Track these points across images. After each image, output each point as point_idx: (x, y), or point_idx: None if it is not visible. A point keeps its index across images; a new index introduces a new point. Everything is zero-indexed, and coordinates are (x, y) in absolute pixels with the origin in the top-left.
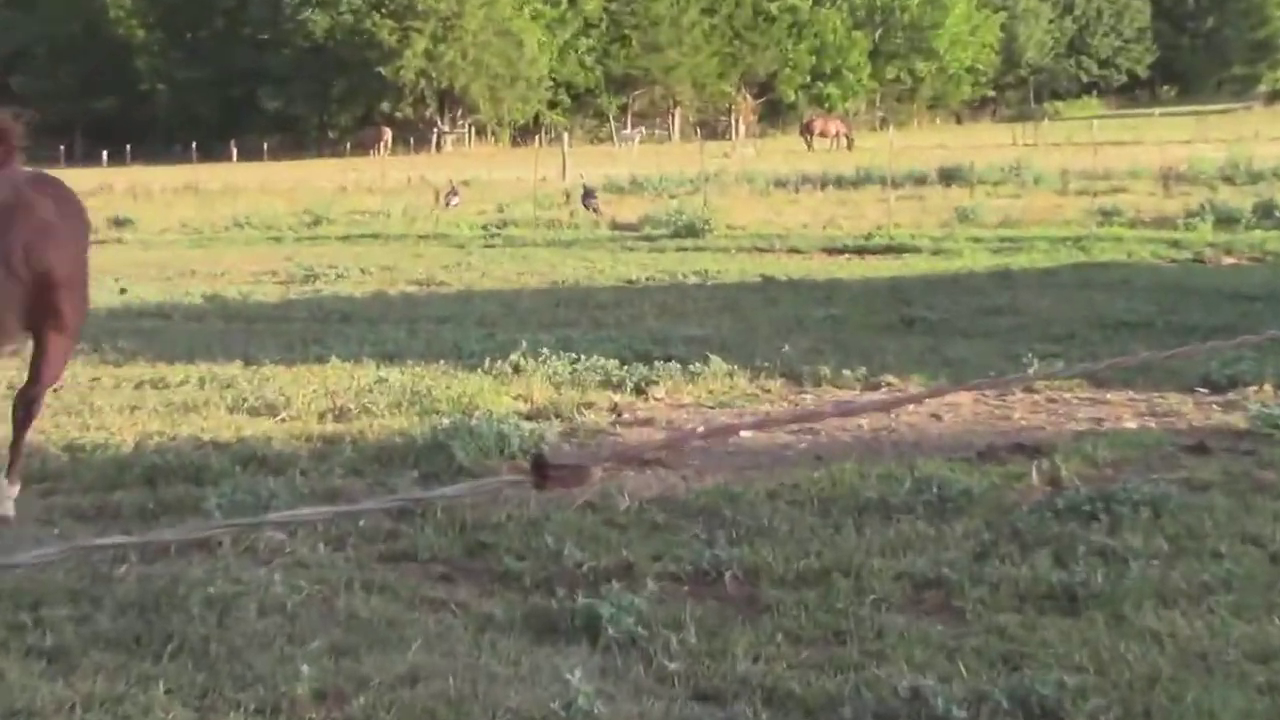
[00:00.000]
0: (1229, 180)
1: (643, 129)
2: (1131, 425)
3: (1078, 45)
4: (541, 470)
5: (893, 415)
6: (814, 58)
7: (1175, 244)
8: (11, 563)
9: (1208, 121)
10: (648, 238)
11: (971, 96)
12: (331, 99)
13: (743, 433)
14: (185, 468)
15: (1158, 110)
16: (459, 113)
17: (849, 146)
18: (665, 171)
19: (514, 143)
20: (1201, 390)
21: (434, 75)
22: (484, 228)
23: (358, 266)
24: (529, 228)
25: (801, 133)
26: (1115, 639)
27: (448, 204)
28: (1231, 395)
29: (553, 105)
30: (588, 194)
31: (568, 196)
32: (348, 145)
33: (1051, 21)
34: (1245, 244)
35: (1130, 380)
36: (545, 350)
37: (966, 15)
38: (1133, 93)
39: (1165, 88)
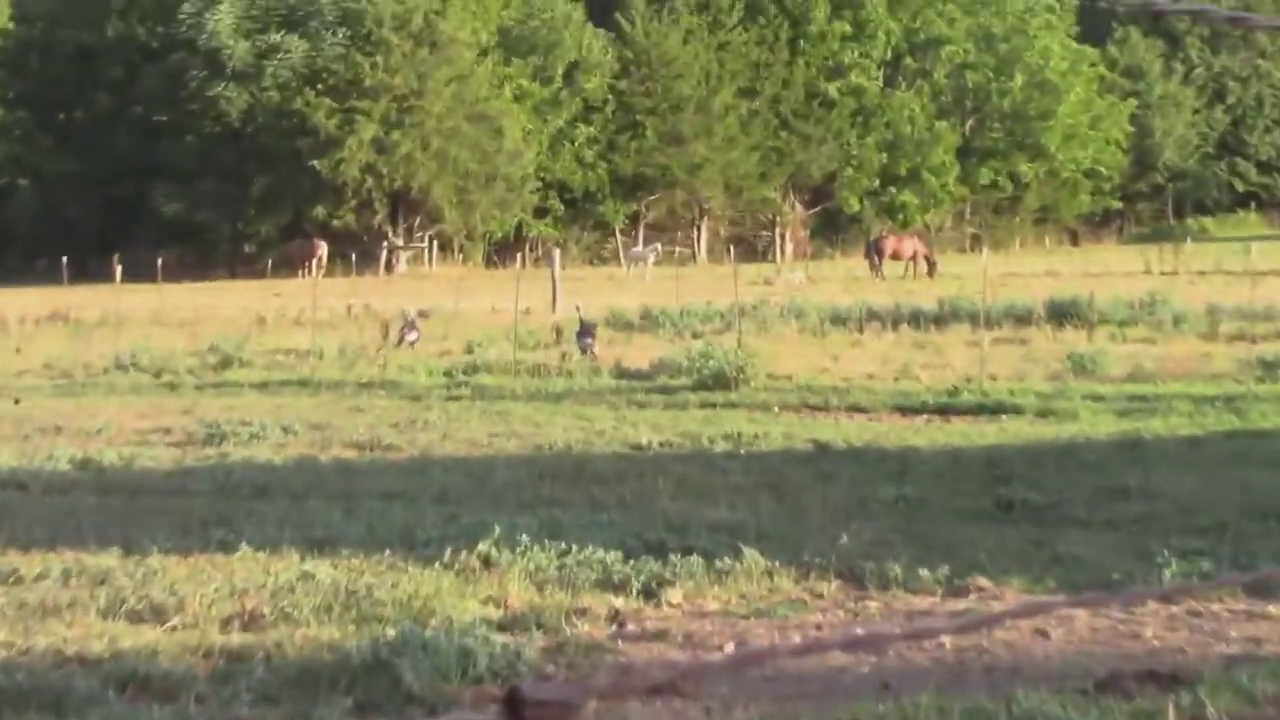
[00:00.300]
0: None
1: (658, 246)
2: None
3: (1231, 144)
4: (517, 707)
5: (985, 630)
6: (884, 155)
7: None
8: None
9: None
10: (663, 389)
11: (1091, 209)
12: (249, 202)
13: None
14: (42, 691)
15: None
16: (417, 222)
17: (930, 273)
18: (688, 302)
19: (489, 262)
20: None
21: (385, 172)
22: (447, 374)
23: (278, 424)
24: (506, 375)
25: (867, 254)
26: None
27: (401, 340)
28: None
29: (541, 214)
30: (584, 331)
31: (558, 334)
32: (269, 263)
33: (1197, 112)
34: None
35: None
36: (525, 538)
37: (1086, 103)
38: None
39: None
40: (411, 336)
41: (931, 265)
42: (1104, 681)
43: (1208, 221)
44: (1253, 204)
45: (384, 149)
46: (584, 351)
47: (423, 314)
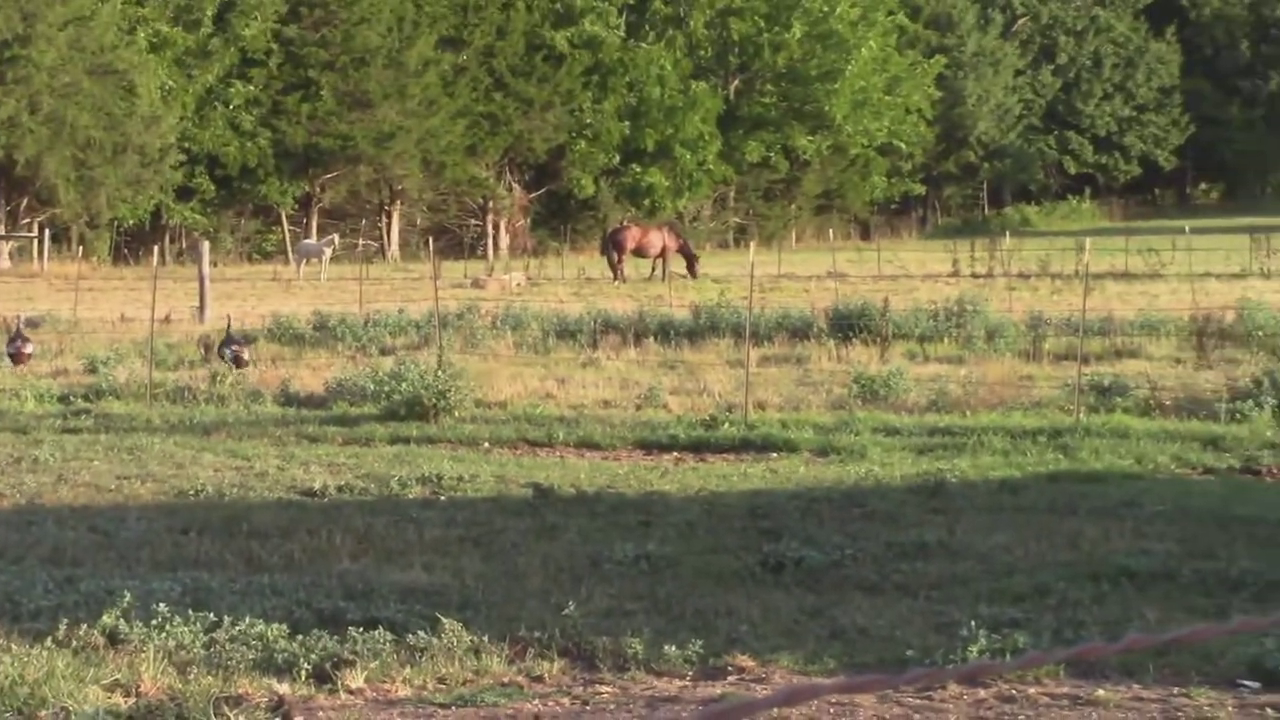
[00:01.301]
0: None
1: (336, 238)
2: None
3: (1062, 114)
4: None
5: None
6: (626, 125)
7: (1214, 443)
8: None
9: (1269, 244)
10: (342, 420)
11: (887, 195)
12: None
13: None
14: None
15: (1188, 224)
16: (23, 205)
17: (691, 272)
18: (375, 310)
19: (118, 258)
20: (1249, 685)
21: None
22: (63, 399)
23: None
24: (140, 401)
25: (604, 250)
26: None
27: (14, 354)
28: None
29: (185, 195)
30: (229, 340)
31: (207, 349)
32: None
33: (1020, 74)
34: None
35: (1135, 668)
36: (163, 607)
37: (881, 61)
38: (1149, 193)
39: (1202, 187)
40: (27, 349)
41: (692, 262)
42: None
43: (1031, 211)
44: (1087, 190)
45: None
46: (229, 362)
47: (31, 323)
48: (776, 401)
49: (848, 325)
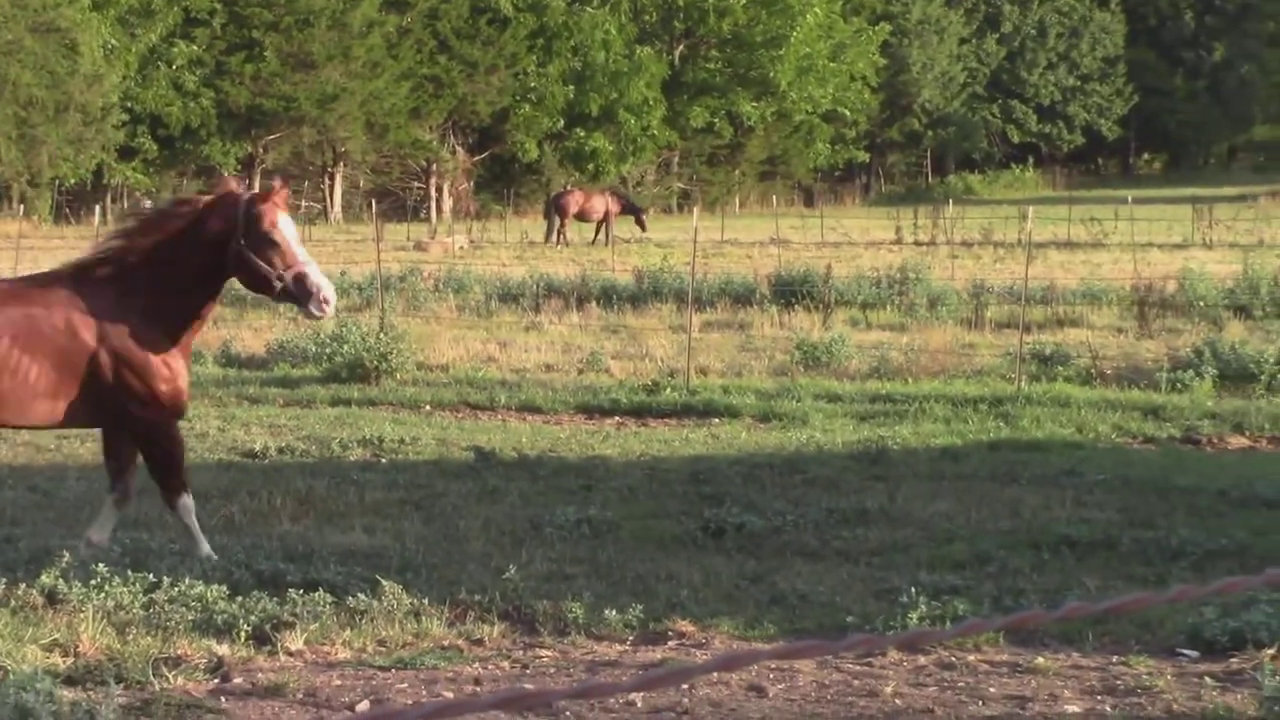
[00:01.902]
0: (1243, 312)
1: None
2: (1075, 709)
3: (1005, 84)
4: None
5: (685, 686)
6: (571, 89)
7: (1155, 412)
8: None
9: (1211, 214)
10: (283, 382)
11: (831, 162)
12: None
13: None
14: None
15: (1131, 194)
16: None
17: (640, 226)
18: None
19: (60, 217)
20: (1187, 653)
21: None
22: None
23: None
24: None
25: (548, 213)
26: None
27: None
28: (1234, 661)
29: (128, 155)
30: None
31: None
32: None
33: (965, 42)
34: (1266, 415)
35: (1074, 636)
36: (102, 567)
37: (826, 28)
38: (1092, 163)
39: (1145, 157)
40: None
41: (640, 216)
42: None
43: (974, 179)
44: (1030, 159)
45: None
46: None
47: None
48: (719, 367)
49: (790, 292)
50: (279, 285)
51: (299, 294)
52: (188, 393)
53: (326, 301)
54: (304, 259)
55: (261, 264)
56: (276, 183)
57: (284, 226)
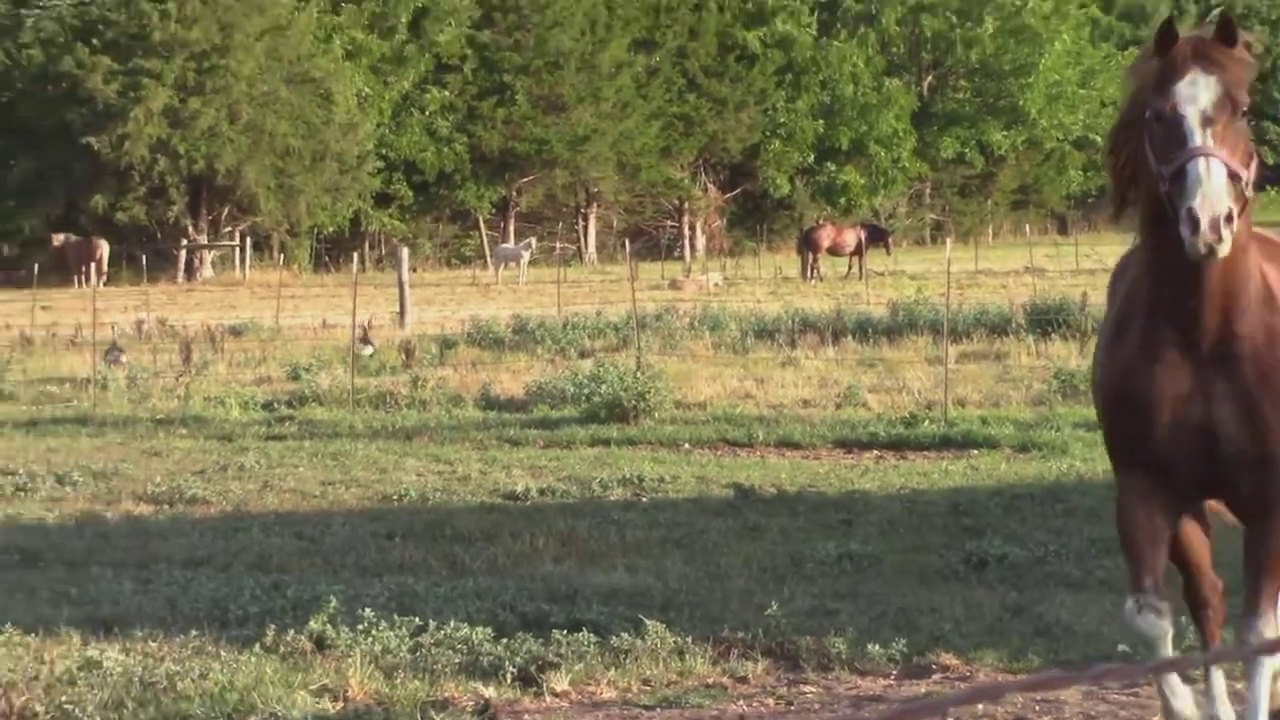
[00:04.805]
0: None
1: (533, 241)
2: None
3: (1259, 105)
4: None
5: (949, 718)
6: (821, 123)
7: None
8: None
9: None
10: (543, 423)
11: (1083, 188)
12: (7, 191)
13: None
14: None
15: None
16: (224, 213)
17: (885, 248)
18: (573, 312)
19: (318, 265)
20: None
21: (182, 151)
22: (267, 406)
23: (51, 473)
24: (342, 407)
25: (800, 249)
26: None
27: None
28: None
29: (383, 202)
30: (361, 338)
31: (408, 354)
32: (35, 268)
33: None
34: None
35: None
36: (369, 612)
37: (1075, 54)
38: None
39: None
40: (368, 349)
41: (886, 240)
42: None
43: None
44: None
45: (180, 121)
46: (369, 353)
47: (235, 331)
48: (976, 398)
49: (1046, 320)
50: None
51: None
52: None
53: None
54: None
55: None
56: None
57: None
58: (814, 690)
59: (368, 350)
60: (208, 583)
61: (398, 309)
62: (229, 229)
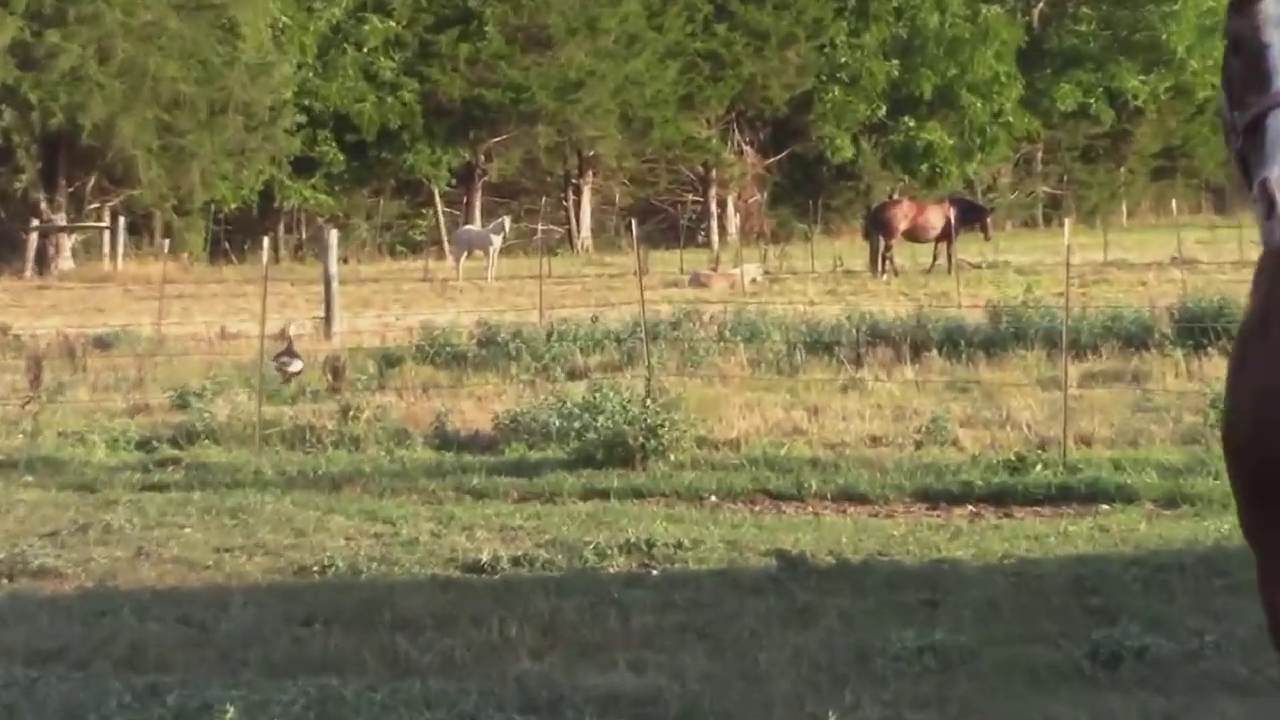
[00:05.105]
0: None
1: (507, 222)
2: None
3: None
4: None
5: None
6: (895, 65)
7: None
8: None
9: None
10: (518, 468)
11: None
12: None
13: None
14: None
15: None
16: (90, 184)
17: (984, 233)
18: (561, 317)
19: (217, 253)
20: None
21: (34, 101)
22: (144, 445)
23: None
24: (245, 446)
25: (868, 233)
26: None
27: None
28: None
29: (305, 168)
30: (285, 351)
31: (335, 374)
32: None
33: None
34: None
35: None
36: None
37: None
38: None
39: None
40: (294, 367)
41: (984, 219)
42: None
43: None
44: None
45: (32, 61)
46: (282, 375)
47: (102, 342)
48: (1106, 435)
49: (1201, 329)
50: None
51: None
52: None
53: None
54: None
55: None
56: None
57: None
58: None
59: (294, 367)
60: (59, 685)
61: (323, 313)
62: (96, 205)
